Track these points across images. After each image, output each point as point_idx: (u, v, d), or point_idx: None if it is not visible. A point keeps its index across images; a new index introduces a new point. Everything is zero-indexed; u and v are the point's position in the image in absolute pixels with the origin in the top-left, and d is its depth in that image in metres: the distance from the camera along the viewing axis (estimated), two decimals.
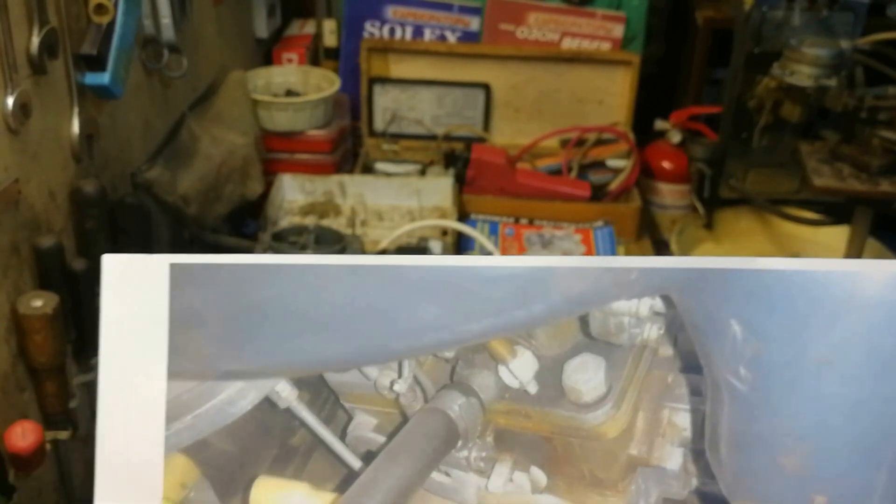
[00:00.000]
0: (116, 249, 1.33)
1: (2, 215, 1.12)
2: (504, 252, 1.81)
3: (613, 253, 1.85)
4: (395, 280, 0.70)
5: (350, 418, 0.81)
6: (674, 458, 0.79)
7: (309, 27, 2.39)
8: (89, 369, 1.33)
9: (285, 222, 1.88)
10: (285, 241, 1.55)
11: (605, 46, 2.17)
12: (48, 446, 1.19)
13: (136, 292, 0.70)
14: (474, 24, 2.18)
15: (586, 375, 0.75)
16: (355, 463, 0.78)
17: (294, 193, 1.98)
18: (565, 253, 1.84)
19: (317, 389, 0.80)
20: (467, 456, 0.77)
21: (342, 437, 0.80)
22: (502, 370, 0.76)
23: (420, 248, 1.63)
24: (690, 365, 0.77)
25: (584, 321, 0.77)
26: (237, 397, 0.75)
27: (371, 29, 2.20)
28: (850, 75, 1.70)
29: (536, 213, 1.98)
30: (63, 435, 1.25)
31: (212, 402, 0.75)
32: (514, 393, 0.77)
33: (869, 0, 1.77)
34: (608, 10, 2.15)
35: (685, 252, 1.88)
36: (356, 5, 2.20)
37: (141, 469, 0.69)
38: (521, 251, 1.84)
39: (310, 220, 1.91)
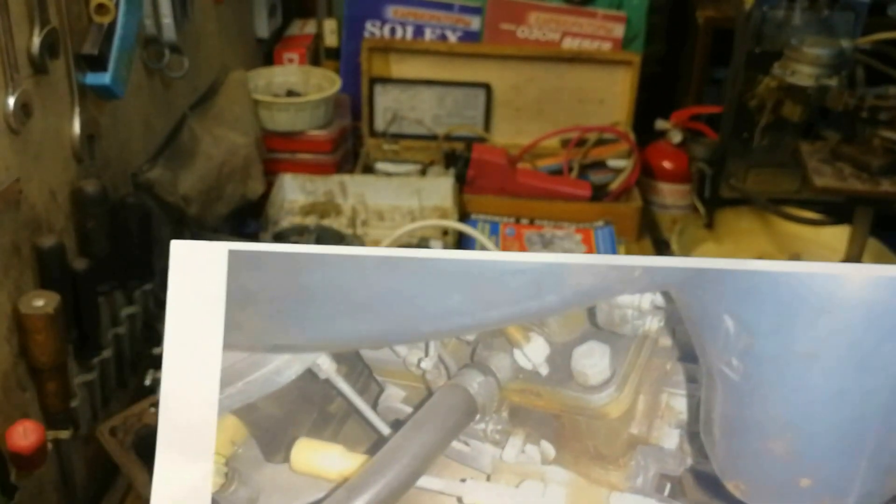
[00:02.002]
0: (117, 249, 1.33)
1: (3, 215, 1.12)
2: (504, 251, 1.81)
3: (614, 252, 1.85)
4: (425, 270, 0.80)
5: (381, 390, 0.89)
6: (671, 438, 0.86)
7: (310, 27, 2.40)
8: (90, 369, 1.33)
9: (286, 222, 1.89)
10: (286, 241, 1.55)
11: (606, 46, 2.18)
12: (49, 446, 1.19)
13: (198, 274, 0.80)
14: (475, 23, 2.18)
15: (592, 360, 0.83)
16: (385, 429, 0.86)
17: (295, 193, 1.99)
18: (567, 253, 1.84)
19: (353, 364, 0.88)
20: (484, 428, 0.86)
21: (374, 406, 0.88)
22: (517, 353, 0.85)
23: (421, 249, 1.63)
24: (687, 355, 0.84)
25: (591, 312, 0.85)
26: (283, 368, 0.85)
27: (372, 29, 2.21)
28: (850, 75, 1.70)
29: (537, 212, 1.98)
30: (64, 434, 1.25)
31: (261, 371, 0.84)
32: (528, 374, 0.85)
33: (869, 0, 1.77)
34: (609, 10, 2.15)
35: (686, 252, 1.88)
36: (357, 5, 2.20)
37: (197, 427, 0.79)
38: (522, 251, 1.85)
39: (311, 220, 1.92)
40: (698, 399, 0.83)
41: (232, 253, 0.79)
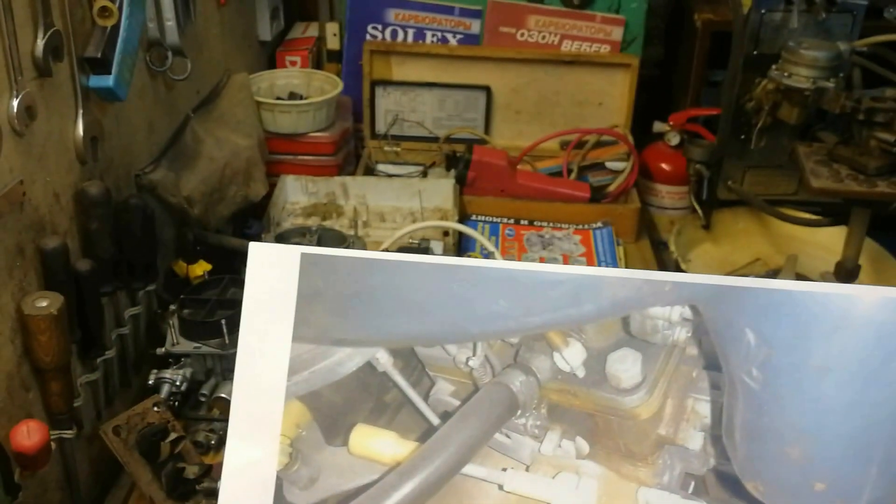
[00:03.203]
0: (121, 250, 1.35)
1: (7, 217, 1.13)
2: (504, 252, 1.82)
3: (612, 253, 1.86)
4: (475, 277, 0.89)
5: (433, 384, 0.96)
6: (695, 440, 0.92)
7: (312, 30, 2.41)
8: (94, 369, 1.34)
9: (288, 223, 1.90)
10: (288, 241, 1.56)
11: (605, 49, 2.19)
12: (53, 445, 1.20)
13: (273, 274, 0.88)
14: (475, 27, 2.19)
15: (625, 366, 0.91)
16: (434, 420, 0.94)
17: (297, 195, 2.00)
18: (565, 253, 1.86)
19: (408, 359, 0.95)
20: (524, 423, 0.93)
21: (425, 398, 0.95)
22: (557, 356, 0.92)
23: (421, 249, 1.64)
24: (712, 364, 0.91)
25: (625, 321, 0.92)
26: (345, 360, 0.92)
27: (373, 32, 2.22)
28: (847, 77, 1.71)
29: (536, 214, 1.99)
30: (68, 434, 1.26)
31: (325, 362, 0.91)
32: (566, 375, 0.93)
33: (866, 2, 1.78)
34: (607, 14, 2.16)
35: (683, 252, 1.89)
36: (358, 9, 2.21)
37: (266, 410, 0.88)
38: (522, 252, 1.86)
39: (312, 222, 1.93)
40: (721, 405, 0.90)
41: (304, 256, 0.88)
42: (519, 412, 0.93)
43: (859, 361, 0.85)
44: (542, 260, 1.84)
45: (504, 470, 0.92)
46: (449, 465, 0.89)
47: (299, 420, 0.92)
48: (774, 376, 0.86)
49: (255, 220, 1.95)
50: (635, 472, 0.93)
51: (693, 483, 0.93)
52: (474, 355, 0.93)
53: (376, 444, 0.92)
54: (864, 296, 0.86)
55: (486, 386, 0.93)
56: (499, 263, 0.91)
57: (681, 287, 0.89)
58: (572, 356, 0.92)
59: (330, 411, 0.94)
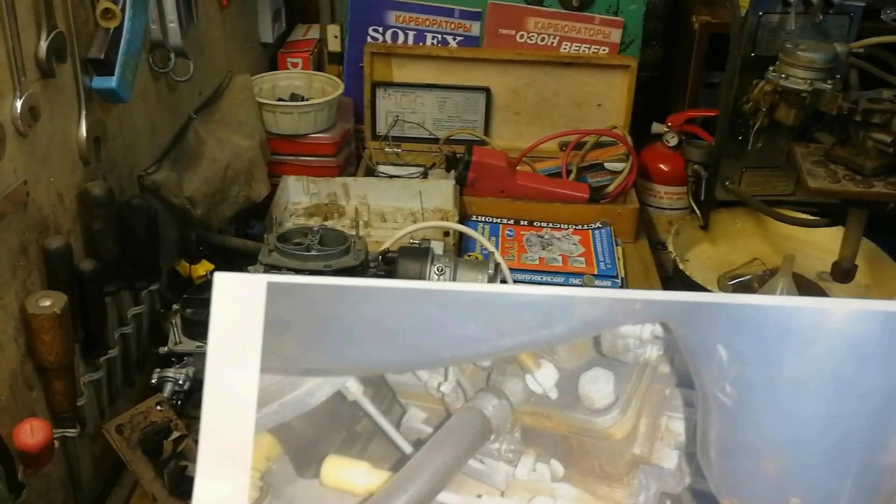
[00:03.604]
0: (124, 251, 1.36)
1: (10, 217, 1.14)
2: (503, 252, 1.83)
3: (611, 253, 1.87)
4: (446, 301, 0.89)
5: (404, 411, 0.95)
6: (670, 459, 0.92)
7: (313, 32, 2.41)
8: (97, 368, 1.35)
9: (290, 224, 1.91)
10: (290, 242, 1.57)
11: (604, 51, 2.19)
12: (56, 444, 1.21)
13: (238, 303, 0.87)
14: (475, 29, 2.20)
15: (598, 386, 0.91)
16: (407, 448, 0.93)
17: (298, 195, 2.00)
18: (564, 254, 1.86)
19: (379, 387, 0.94)
20: (498, 448, 0.93)
21: (397, 426, 0.94)
22: (529, 378, 0.92)
23: (422, 249, 1.64)
24: (685, 381, 0.91)
25: (596, 341, 0.92)
26: (315, 390, 0.91)
27: (374, 34, 2.23)
28: (844, 79, 1.71)
29: (536, 214, 2.00)
30: (71, 432, 1.27)
31: (294, 393, 0.90)
32: (538, 398, 0.92)
33: (863, 4, 1.78)
34: (606, 15, 2.17)
35: (682, 252, 1.90)
36: (359, 11, 2.22)
37: (235, 444, 0.86)
38: (521, 252, 1.87)
39: (314, 222, 1.94)
40: (695, 422, 0.91)
41: (270, 284, 0.87)
42: (492, 437, 0.92)
43: (832, 374, 0.86)
44: (541, 260, 1.84)
45: (479, 496, 0.92)
46: (423, 494, 0.89)
47: (270, 453, 0.91)
48: (748, 391, 0.87)
49: (258, 220, 1.96)
50: (611, 494, 0.93)
51: (669, 502, 0.93)
52: (446, 380, 0.93)
53: (349, 474, 0.91)
54: (835, 308, 0.87)
55: (459, 411, 0.93)
56: (469, 286, 0.90)
57: (651, 305, 0.89)
58: (545, 378, 0.92)
59: (301, 443, 0.92)
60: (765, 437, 0.88)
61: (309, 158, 2.07)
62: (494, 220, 1.99)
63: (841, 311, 0.87)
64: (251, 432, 0.87)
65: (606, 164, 2.14)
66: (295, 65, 2.29)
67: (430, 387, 0.93)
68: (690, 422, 0.91)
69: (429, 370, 0.93)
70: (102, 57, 1.30)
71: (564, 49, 2.20)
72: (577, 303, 0.89)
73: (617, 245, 1.92)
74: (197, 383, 1.44)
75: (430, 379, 0.93)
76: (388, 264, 1.64)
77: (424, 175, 2.14)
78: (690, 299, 0.89)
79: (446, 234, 1.84)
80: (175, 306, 1.47)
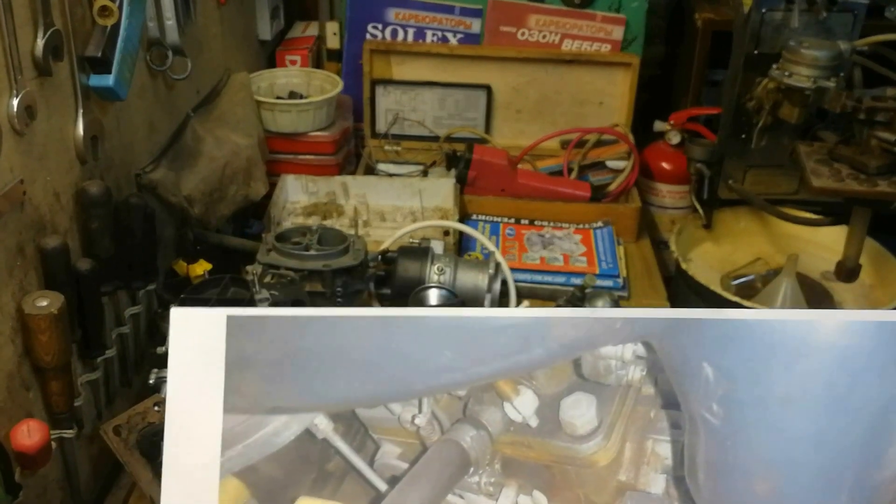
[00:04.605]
0: (121, 250, 1.34)
1: (7, 216, 1.13)
2: (504, 252, 1.82)
3: (613, 252, 1.86)
4: (417, 328, 0.85)
5: (377, 447, 0.92)
6: (657, 484, 0.90)
7: (312, 29, 2.41)
8: (94, 368, 1.34)
9: (289, 223, 1.90)
10: (288, 241, 1.56)
11: (605, 48, 2.19)
12: (53, 445, 1.20)
13: (198, 340, 0.83)
14: (475, 26, 2.19)
15: (580, 411, 0.89)
16: (382, 486, 0.90)
17: (297, 194, 2.00)
18: (565, 253, 1.85)
19: (349, 422, 0.91)
20: (478, 481, 0.90)
21: (371, 463, 0.91)
22: (507, 406, 0.89)
23: (422, 249, 1.63)
24: (670, 402, 0.89)
25: (577, 364, 0.90)
26: (282, 429, 0.88)
27: (373, 31, 2.22)
28: (848, 77, 1.71)
29: (537, 213, 1.99)
30: (68, 433, 1.26)
31: (260, 433, 0.87)
32: (518, 426, 0.90)
33: (867, 2, 1.77)
34: (608, 13, 2.16)
35: (684, 252, 1.89)
36: (358, 8, 2.21)
37: (200, 490, 0.82)
38: (522, 251, 1.86)
39: (313, 221, 1.93)
40: (682, 444, 0.88)
41: (230, 318, 0.83)
42: (471, 470, 0.90)
43: (824, 388, 0.84)
44: (542, 259, 1.83)
45: None
46: None
47: (237, 498, 0.87)
48: (736, 410, 0.85)
49: (256, 219, 1.95)
50: None
51: None
52: (420, 413, 0.90)
53: None
54: (824, 321, 0.85)
55: (435, 445, 0.90)
56: (441, 311, 0.87)
57: (632, 323, 0.87)
58: (524, 405, 0.89)
59: (269, 486, 0.89)
60: (755, 456, 0.86)
61: (308, 157, 2.07)
62: (495, 219, 1.98)
63: (830, 324, 0.85)
64: (216, 477, 0.83)
65: (608, 163, 2.13)
66: (293, 62, 2.28)
67: (404, 420, 0.90)
68: (677, 444, 0.89)
69: (402, 403, 0.90)
70: (100, 55, 1.30)
71: (566, 46, 2.19)
72: (554, 324, 0.87)
73: (619, 244, 1.91)
74: None
75: (403, 412, 0.90)
76: (387, 264, 1.64)
77: (424, 173, 2.14)
78: (673, 315, 0.87)
79: (446, 233, 1.83)
80: (173, 306, 1.46)
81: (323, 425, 0.89)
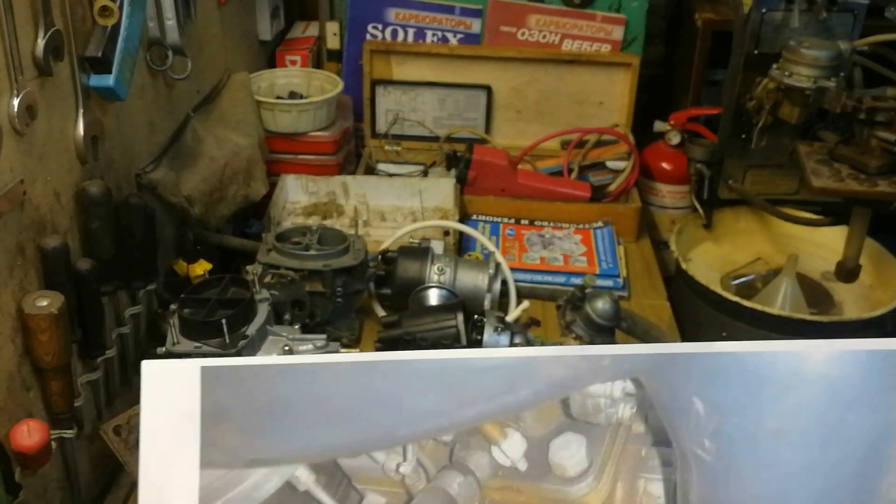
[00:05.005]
0: (121, 250, 1.34)
1: (7, 216, 1.13)
2: (504, 252, 1.82)
3: (613, 253, 1.86)
4: (399, 372, 0.82)
5: (361, 498, 0.90)
6: None
7: (312, 29, 2.40)
8: (94, 368, 1.34)
9: (289, 223, 1.90)
10: (288, 241, 1.56)
11: (606, 48, 2.18)
12: (53, 445, 1.20)
13: (171, 393, 0.81)
14: (475, 26, 2.19)
15: (570, 452, 0.87)
16: None
17: (297, 194, 2.00)
18: (565, 253, 1.85)
19: (332, 473, 0.88)
20: None
21: None
22: (495, 450, 0.88)
23: (422, 249, 1.64)
24: (661, 439, 0.88)
25: (565, 403, 0.88)
26: (262, 482, 0.86)
27: (373, 31, 2.22)
28: (848, 76, 1.71)
29: (537, 213, 1.99)
30: (68, 433, 1.26)
31: (239, 488, 0.85)
32: (507, 470, 0.88)
33: (867, 2, 1.78)
34: (608, 13, 2.16)
35: (684, 252, 1.89)
36: (359, 8, 2.21)
37: None
38: (522, 251, 1.86)
39: (313, 221, 1.93)
40: (675, 482, 0.87)
41: (204, 369, 0.81)
42: None
43: (815, 420, 0.84)
44: (542, 259, 1.83)
45: None
46: None
47: None
48: (728, 445, 0.84)
49: (256, 219, 1.95)
50: None
51: None
52: (405, 460, 0.88)
53: None
54: (814, 352, 0.84)
55: (421, 493, 0.88)
56: (423, 354, 0.84)
57: (620, 360, 0.86)
58: (512, 448, 0.87)
59: None
60: (748, 492, 0.85)
61: (308, 157, 2.07)
62: (495, 220, 1.98)
63: (820, 355, 0.84)
64: None
65: (608, 163, 2.13)
66: (294, 62, 2.28)
67: (388, 469, 0.88)
68: (670, 482, 0.88)
69: (385, 450, 0.88)
70: (100, 55, 1.29)
71: (566, 46, 2.19)
72: (541, 363, 0.85)
73: (619, 244, 1.91)
74: None
75: (387, 460, 0.88)
76: (387, 264, 1.64)
77: (424, 174, 2.14)
78: (662, 351, 0.86)
79: (446, 233, 1.83)
80: (173, 306, 1.46)
81: (304, 477, 0.87)
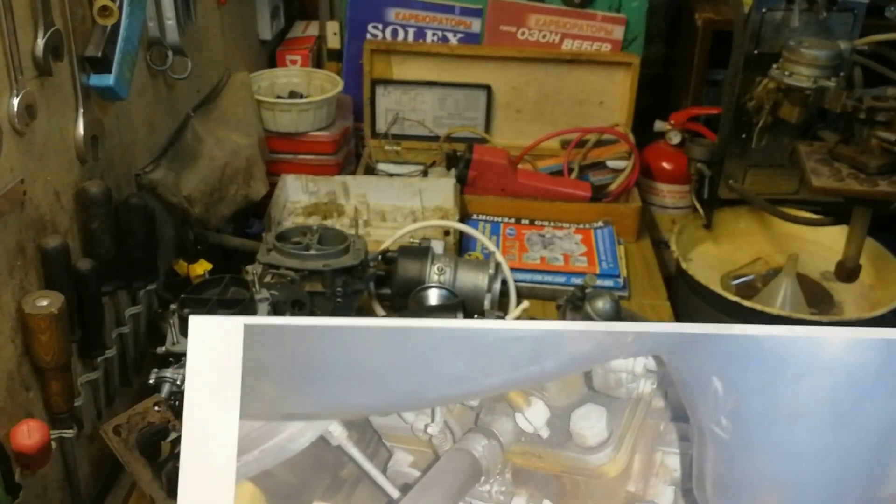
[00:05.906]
0: (121, 250, 1.34)
1: (7, 216, 1.13)
2: (504, 251, 1.82)
3: (613, 252, 1.86)
4: (431, 339, 0.86)
5: (390, 455, 0.93)
6: (666, 496, 0.91)
7: (312, 29, 2.41)
8: (94, 368, 1.34)
9: (289, 223, 1.90)
10: (289, 241, 1.56)
11: (606, 48, 2.18)
12: (53, 445, 1.20)
13: (216, 348, 0.85)
14: (475, 25, 2.19)
15: (590, 423, 0.90)
16: (394, 493, 0.91)
17: (297, 194, 2.00)
18: (566, 253, 1.85)
19: (363, 430, 0.92)
20: (489, 490, 0.91)
21: (384, 470, 0.92)
22: (519, 417, 0.91)
23: (422, 249, 1.64)
24: (679, 415, 0.91)
25: (588, 376, 0.91)
26: (297, 435, 0.90)
27: (373, 31, 2.22)
28: (848, 76, 1.71)
29: (537, 213, 1.99)
30: (68, 433, 1.26)
31: (276, 439, 0.89)
32: (529, 437, 0.91)
33: (867, 1, 1.77)
34: (608, 12, 2.16)
35: (684, 252, 1.89)
36: (359, 7, 2.21)
37: (216, 494, 0.84)
38: (522, 251, 1.86)
39: (313, 221, 1.93)
40: (691, 457, 0.90)
41: (247, 327, 0.85)
42: (483, 478, 0.91)
43: (830, 405, 0.85)
44: (543, 259, 1.83)
45: None
46: None
47: (252, 502, 0.88)
48: (744, 424, 0.86)
49: (256, 219, 1.95)
50: None
51: None
52: (433, 422, 0.91)
53: None
54: (831, 338, 0.85)
55: (447, 453, 0.91)
56: (455, 323, 0.88)
57: (643, 337, 0.88)
58: (535, 416, 0.90)
59: (284, 491, 0.90)
60: (762, 471, 0.87)
61: (308, 157, 2.07)
62: (495, 219, 1.98)
63: (838, 341, 0.85)
64: (232, 481, 0.85)
65: (608, 163, 2.13)
66: (294, 62, 2.28)
67: (417, 429, 0.91)
68: (686, 457, 0.90)
69: (415, 412, 0.91)
70: (100, 55, 1.29)
71: (566, 46, 2.19)
72: (566, 337, 0.88)
73: (619, 244, 1.91)
74: None
75: (416, 421, 0.91)
76: (387, 264, 1.64)
77: (424, 173, 2.14)
78: (683, 330, 0.88)
79: (447, 233, 1.83)
80: (173, 306, 1.46)
81: (337, 432, 0.90)
